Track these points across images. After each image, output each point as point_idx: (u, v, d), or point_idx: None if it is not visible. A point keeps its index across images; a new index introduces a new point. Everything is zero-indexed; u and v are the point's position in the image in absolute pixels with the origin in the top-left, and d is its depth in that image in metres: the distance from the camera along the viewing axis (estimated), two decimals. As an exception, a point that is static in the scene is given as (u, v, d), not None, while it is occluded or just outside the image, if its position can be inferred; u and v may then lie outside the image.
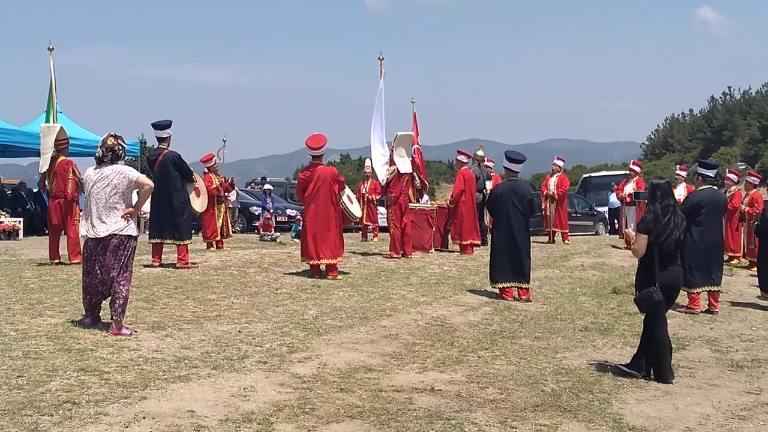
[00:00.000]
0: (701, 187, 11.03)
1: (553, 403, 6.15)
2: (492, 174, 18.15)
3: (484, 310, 10.12)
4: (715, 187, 11.59)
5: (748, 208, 15.09)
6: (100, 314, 7.79)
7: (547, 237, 19.26)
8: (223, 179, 15.77)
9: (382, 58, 14.62)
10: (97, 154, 7.63)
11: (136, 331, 7.58)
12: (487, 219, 16.72)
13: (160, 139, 12.00)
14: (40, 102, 13.30)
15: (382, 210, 19.77)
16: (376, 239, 19.03)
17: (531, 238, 11.47)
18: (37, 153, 14.08)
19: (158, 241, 11.87)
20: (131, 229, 7.58)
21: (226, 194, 16.65)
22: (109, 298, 7.52)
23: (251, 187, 24.57)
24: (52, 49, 13.38)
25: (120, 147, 7.68)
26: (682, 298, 10.29)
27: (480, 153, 17.55)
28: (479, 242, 16.01)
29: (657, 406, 6.32)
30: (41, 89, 14.05)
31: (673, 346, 7.49)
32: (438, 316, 9.51)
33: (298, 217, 18.45)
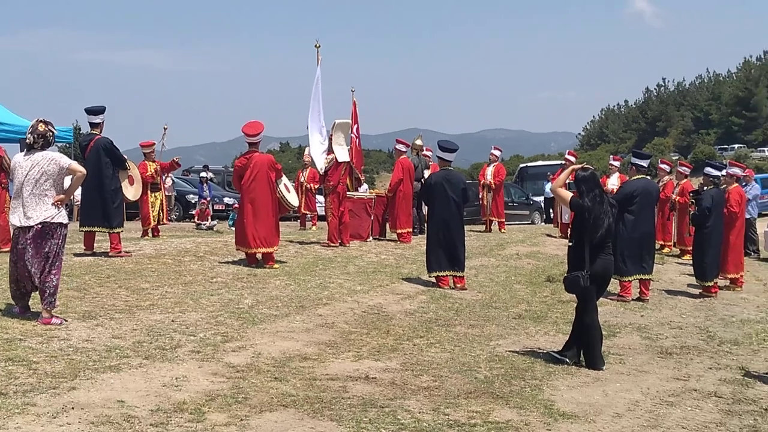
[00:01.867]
0: (634, 177, 11.24)
1: (485, 390, 6.21)
2: (430, 163, 18.22)
3: (420, 298, 10.17)
4: (648, 177, 11.81)
5: (678, 197, 15.41)
6: (29, 303, 7.62)
7: (484, 226, 19.43)
8: (157, 168, 15.49)
9: (319, 46, 14.53)
10: (27, 141, 7.45)
11: (66, 321, 7.44)
12: (425, 208, 16.82)
13: (93, 125, 11.76)
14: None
15: (320, 199, 19.72)
16: (314, 228, 18.98)
17: (467, 226, 11.56)
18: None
19: (90, 229, 11.64)
20: (62, 217, 7.43)
21: (164, 177, 16.43)
22: (38, 287, 7.37)
23: (184, 175, 24.29)
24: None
25: (51, 133, 7.51)
26: (614, 286, 10.49)
27: (418, 142, 17.61)
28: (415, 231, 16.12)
29: (587, 392, 6.43)
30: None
31: (604, 333, 7.63)
32: (374, 304, 9.54)
33: (236, 205, 18.29)
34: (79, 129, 37.80)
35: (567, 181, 16.25)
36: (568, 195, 7.57)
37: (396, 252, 14.15)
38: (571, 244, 7.48)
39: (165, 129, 16.28)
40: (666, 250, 16.29)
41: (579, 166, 7.59)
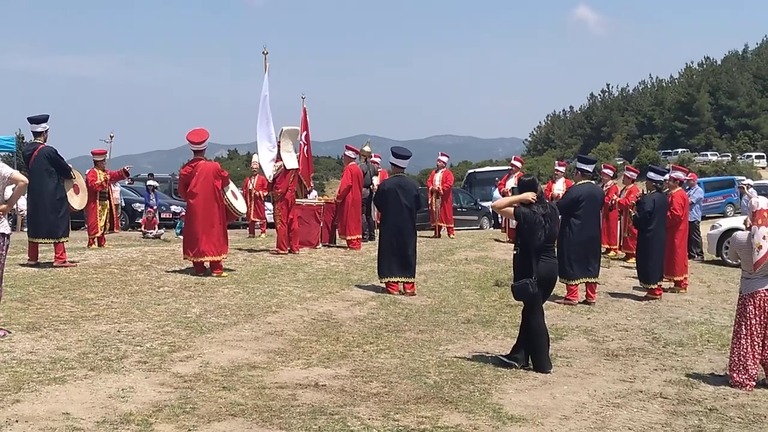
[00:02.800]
0: (580, 182, 11.37)
1: (435, 395, 6.24)
2: (379, 170, 18.27)
3: (370, 304, 10.18)
4: (593, 182, 11.96)
5: (619, 199, 15.67)
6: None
7: (433, 231, 19.52)
8: (107, 176, 15.28)
9: (266, 53, 14.46)
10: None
11: (9, 332, 7.31)
12: (375, 214, 16.84)
13: (36, 134, 11.57)
14: None
15: (269, 206, 19.62)
16: (263, 235, 18.88)
17: (417, 232, 11.60)
18: None
19: (35, 239, 11.44)
20: (4, 227, 7.32)
21: (112, 186, 16.24)
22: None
23: (129, 183, 24.04)
24: None
25: (-9, 142, 7.38)
26: (561, 289, 10.61)
27: (367, 149, 17.64)
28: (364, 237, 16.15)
29: (535, 395, 6.49)
30: None
31: (551, 336, 7.73)
32: (324, 311, 9.52)
33: (183, 213, 18.13)
34: (23, 138, 37.11)
35: (513, 186, 16.46)
36: (510, 208, 7.67)
37: (346, 258, 14.15)
38: (516, 252, 7.56)
39: (111, 137, 16.12)
40: (611, 253, 16.52)
41: (525, 196, 7.67)
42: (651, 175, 12.15)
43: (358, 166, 16.23)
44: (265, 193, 18.92)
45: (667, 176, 12.60)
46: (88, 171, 14.77)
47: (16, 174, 7.49)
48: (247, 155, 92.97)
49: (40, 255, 11.70)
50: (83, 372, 6.23)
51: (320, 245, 15.58)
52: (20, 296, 9.08)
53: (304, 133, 16.06)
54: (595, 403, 6.36)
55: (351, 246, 15.48)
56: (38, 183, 10.93)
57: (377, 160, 18.76)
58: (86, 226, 15.03)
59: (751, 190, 16.84)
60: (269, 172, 14.10)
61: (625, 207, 15.06)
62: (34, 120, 11.60)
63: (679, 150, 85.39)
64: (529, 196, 7.44)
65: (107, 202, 15.26)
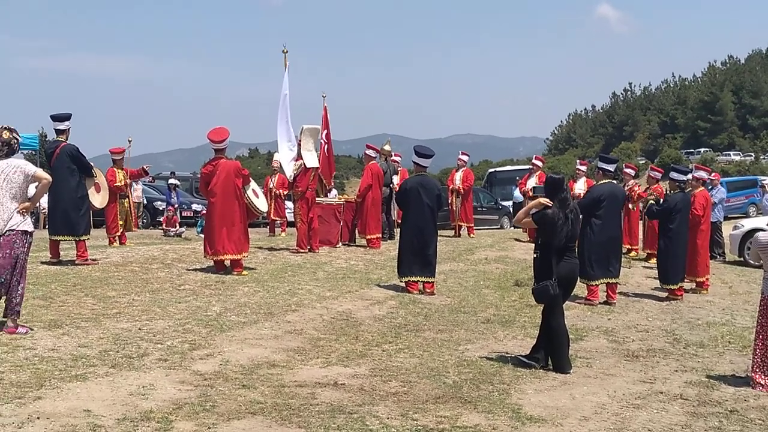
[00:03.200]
0: (601, 182, 11.32)
1: (454, 394, 6.23)
2: (399, 169, 18.28)
3: (389, 303, 10.18)
4: (615, 182, 11.90)
5: (639, 190, 15.63)
6: (-6, 313, 7.55)
7: (453, 231, 19.50)
8: (126, 176, 15.38)
9: (287, 51, 14.49)
10: (-9, 149, 7.37)
11: (32, 329, 7.37)
12: (395, 213, 16.85)
13: (58, 132, 11.67)
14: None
15: (289, 205, 19.67)
16: (283, 234, 18.94)
17: (438, 232, 11.59)
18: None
19: (56, 237, 11.53)
20: (27, 225, 7.37)
21: (132, 185, 16.36)
22: (3, 296, 7.29)
23: (150, 182, 24.20)
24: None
25: (15, 140, 7.46)
26: (581, 289, 10.57)
27: (387, 148, 17.64)
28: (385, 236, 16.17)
29: (554, 395, 6.47)
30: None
31: (571, 336, 7.69)
32: (344, 310, 9.53)
33: (204, 211, 18.21)
34: (45, 136, 37.43)
35: (534, 185, 16.43)
36: (528, 218, 7.66)
37: (365, 258, 14.16)
38: (536, 255, 7.53)
39: (129, 141, 16.25)
40: (633, 254, 16.44)
41: (538, 201, 7.67)
42: (674, 174, 12.07)
43: (379, 165, 16.24)
44: (286, 192, 18.99)
45: (689, 176, 12.51)
46: (107, 170, 14.85)
47: (40, 172, 7.56)
48: (267, 154, 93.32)
49: (62, 253, 11.79)
50: (104, 369, 6.27)
51: (340, 244, 15.61)
52: (42, 294, 9.16)
53: (325, 131, 16.08)
54: (615, 404, 6.33)
55: (371, 245, 15.49)
56: (60, 181, 11.00)
57: (398, 159, 18.76)
58: (105, 225, 15.14)
59: None
60: (290, 170, 14.13)
61: (643, 198, 14.94)
62: (57, 118, 11.70)
63: (702, 149, 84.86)
64: (542, 201, 7.43)
65: (126, 201, 15.36)
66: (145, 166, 15.93)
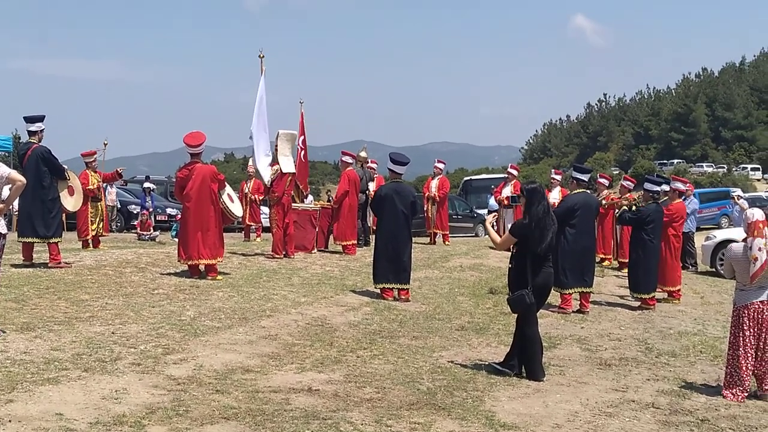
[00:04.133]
0: (575, 191, 11.39)
1: (428, 401, 6.25)
2: (375, 175, 18.29)
3: (364, 310, 10.18)
4: (589, 191, 11.97)
5: (614, 196, 15.77)
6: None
7: (428, 238, 19.53)
8: (100, 180, 15.26)
9: (263, 56, 14.47)
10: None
11: (3, 332, 7.30)
12: (371, 220, 16.85)
13: (31, 133, 11.55)
14: None
15: (265, 210, 19.63)
16: (258, 239, 18.89)
17: (413, 239, 11.61)
18: None
19: (27, 240, 11.42)
20: (0, 227, 7.31)
21: (107, 189, 16.24)
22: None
23: (123, 185, 24.01)
24: None
25: (-12, 142, 7.39)
26: (555, 297, 10.62)
27: (363, 154, 17.65)
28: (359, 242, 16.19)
29: (528, 403, 6.50)
30: None
31: (544, 344, 7.73)
32: (318, 316, 9.52)
33: (179, 215, 18.13)
34: (19, 138, 37.06)
35: (510, 194, 16.48)
36: (504, 237, 7.84)
37: (341, 264, 14.15)
38: (511, 265, 7.57)
39: (105, 144, 16.13)
40: (606, 263, 16.54)
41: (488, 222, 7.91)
42: (647, 185, 12.14)
43: (355, 172, 16.24)
44: (261, 197, 18.96)
45: (663, 186, 12.61)
46: (80, 173, 14.72)
47: (14, 174, 7.49)
48: (243, 159, 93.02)
49: (35, 256, 11.68)
50: (77, 373, 6.22)
51: (315, 250, 15.59)
52: (15, 296, 9.07)
53: (302, 137, 16.08)
54: (588, 412, 6.38)
55: (346, 251, 15.49)
56: (31, 182, 10.86)
57: (374, 165, 18.77)
58: (76, 228, 15.02)
59: (742, 200, 16.83)
60: (267, 176, 14.09)
61: (617, 204, 15.03)
62: (30, 119, 11.59)
63: (675, 161, 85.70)
64: (490, 219, 8.28)
65: (99, 204, 15.24)
66: (119, 169, 15.81)
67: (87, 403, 5.48)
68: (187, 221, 11.41)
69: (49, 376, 6.06)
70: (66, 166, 12.12)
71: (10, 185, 7.46)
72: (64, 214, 12.38)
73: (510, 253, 7.66)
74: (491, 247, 18.60)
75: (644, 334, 9.95)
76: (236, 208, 12.35)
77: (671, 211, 12.30)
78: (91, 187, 14.68)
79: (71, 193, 12.40)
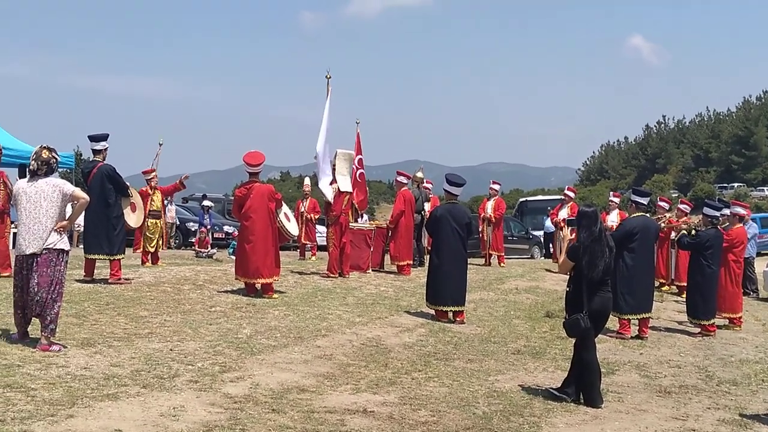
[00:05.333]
0: (634, 215, 11.25)
1: (484, 426, 6.19)
2: (430, 196, 18.28)
3: (419, 331, 10.15)
4: (648, 215, 11.82)
5: (671, 218, 15.55)
6: (28, 329, 7.62)
7: (483, 259, 19.44)
8: (161, 198, 15.45)
9: (330, 77, 14.60)
10: (30, 167, 7.48)
11: (65, 347, 7.43)
12: (425, 240, 16.83)
13: (95, 152, 11.79)
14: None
15: (320, 228, 19.73)
16: (314, 258, 18.98)
17: (468, 260, 11.56)
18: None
19: (91, 255, 11.65)
20: (64, 243, 7.46)
21: (166, 206, 16.36)
22: (38, 314, 7.36)
23: (183, 202, 24.28)
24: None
25: (54, 160, 7.57)
26: (613, 323, 10.47)
27: (419, 174, 17.66)
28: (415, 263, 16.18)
29: (585, 430, 6.41)
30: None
31: (602, 370, 7.62)
32: (373, 336, 9.51)
33: (236, 233, 18.30)
34: (81, 155, 37.92)
35: (567, 216, 16.33)
36: (563, 258, 7.74)
37: (395, 284, 14.14)
38: (569, 289, 7.50)
39: (160, 144, 16.09)
40: (665, 288, 16.28)
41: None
42: (707, 210, 11.95)
43: (410, 192, 16.25)
44: (317, 216, 19.08)
45: (724, 211, 12.40)
46: (140, 189, 14.89)
47: (78, 191, 7.65)
48: (299, 177, 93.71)
49: (95, 271, 11.90)
50: (136, 389, 6.30)
51: (370, 270, 15.61)
52: (75, 312, 9.23)
53: (358, 157, 16.16)
54: (647, 440, 6.27)
55: (401, 272, 15.48)
56: (96, 200, 11.08)
57: (429, 186, 18.76)
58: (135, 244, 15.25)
59: None
60: (330, 195, 14.13)
61: (676, 227, 14.79)
62: (95, 138, 11.82)
63: (736, 184, 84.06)
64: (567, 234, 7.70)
65: (159, 221, 15.46)
66: (182, 177, 15.68)
67: (145, 420, 5.55)
68: (245, 239, 11.51)
69: (108, 392, 6.14)
70: (128, 184, 12.33)
71: (73, 202, 7.62)
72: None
73: (569, 277, 7.59)
74: (548, 270, 18.46)
75: (704, 361, 9.76)
76: (292, 227, 12.43)
77: (731, 237, 12.10)
78: (153, 206, 14.89)
79: (133, 209, 12.62)
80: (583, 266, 7.27)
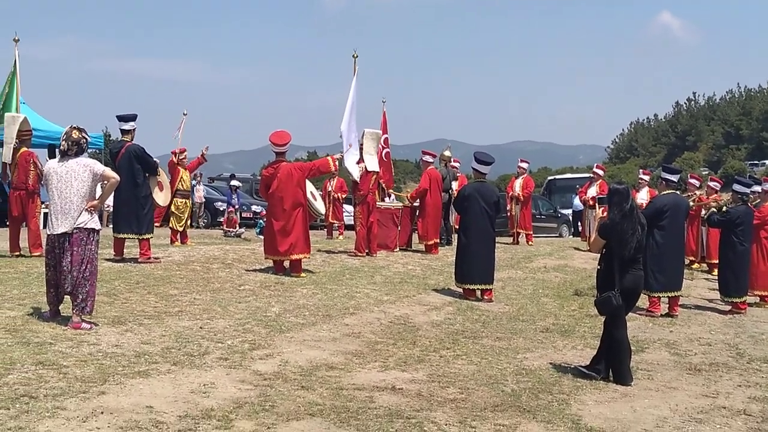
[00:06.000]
0: (664, 192, 11.13)
1: (512, 403, 6.19)
2: (458, 174, 18.22)
3: (446, 309, 10.16)
4: (678, 192, 11.71)
5: (701, 196, 15.38)
6: (60, 308, 7.70)
7: (512, 238, 19.37)
8: (189, 179, 15.54)
9: (356, 56, 14.55)
10: (61, 147, 7.54)
11: (96, 325, 7.51)
12: (453, 219, 16.80)
13: (123, 132, 11.85)
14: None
15: (348, 208, 19.75)
16: (341, 237, 19.02)
17: (496, 239, 11.53)
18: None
19: (120, 234, 11.74)
20: (94, 223, 7.52)
21: (194, 185, 16.41)
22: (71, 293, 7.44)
23: (209, 182, 24.39)
24: (18, 40, 13.07)
25: (84, 140, 7.63)
26: (643, 301, 10.40)
27: (447, 153, 17.59)
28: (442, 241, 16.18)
29: (615, 407, 6.38)
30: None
31: (632, 348, 7.57)
32: (401, 315, 9.53)
33: (263, 212, 18.38)
34: (109, 135, 38.21)
35: (596, 195, 16.24)
36: (594, 236, 7.66)
37: (423, 263, 14.15)
38: (600, 267, 7.43)
39: (185, 115, 15.98)
40: (695, 266, 16.15)
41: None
42: (737, 187, 11.82)
43: (437, 171, 16.20)
44: (344, 196, 19.10)
45: (755, 188, 12.26)
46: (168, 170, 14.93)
47: (108, 171, 7.70)
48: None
49: (125, 251, 12.00)
50: (166, 367, 6.36)
51: (397, 249, 15.61)
52: (106, 290, 9.31)
53: (384, 136, 16.13)
54: (677, 417, 6.22)
55: (429, 251, 15.47)
56: (124, 180, 11.13)
57: (456, 165, 18.69)
58: (168, 224, 15.35)
59: None
60: (356, 173, 14.14)
61: (705, 205, 14.64)
62: (123, 118, 11.89)
63: (767, 161, 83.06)
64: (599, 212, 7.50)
65: (188, 200, 15.56)
66: (203, 149, 15.61)
67: (176, 397, 5.60)
68: (273, 218, 11.55)
69: (139, 369, 6.20)
70: (157, 162, 12.38)
71: (103, 182, 7.68)
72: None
73: (600, 256, 7.52)
74: (576, 248, 18.38)
75: (735, 339, 9.67)
76: (320, 205, 12.47)
77: (762, 214, 11.98)
78: (182, 185, 14.99)
79: (161, 188, 12.70)
80: (614, 244, 7.21)
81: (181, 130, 15.64)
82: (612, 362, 7.26)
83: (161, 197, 12.78)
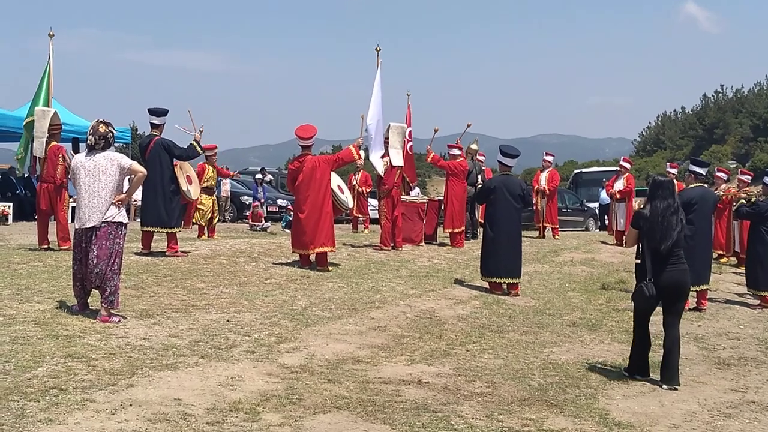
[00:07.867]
0: (692, 185, 11.02)
1: (539, 397, 6.17)
2: (484, 168, 18.14)
3: (473, 303, 10.14)
4: (706, 185, 11.59)
5: (732, 189, 15.22)
6: (89, 301, 7.77)
7: (538, 232, 19.27)
8: (215, 174, 15.64)
9: (379, 49, 14.52)
10: (88, 142, 7.60)
11: (124, 318, 7.57)
12: (478, 213, 16.75)
13: (153, 126, 11.87)
14: (28, 87, 12.84)
15: (373, 202, 19.74)
16: (366, 231, 19.02)
17: (522, 232, 11.48)
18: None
19: (148, 228, 11.81)
20: (122, 216, 7.57)
21: (220, 181, 16.50)
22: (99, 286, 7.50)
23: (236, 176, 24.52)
24: (53, 35, 13.10)
25: (111, 134, 7.68)
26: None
27: (474, 147, 17.51)
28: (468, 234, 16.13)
29: (643, 402, 6.35)
30: (30, 74, 13.71)
31: (660, 342, 7.49)
32: (427, 308, 9.53)
33: (289, 207, 18.41)
34: (136, 130, 38.46)
35: (623, 188, 16.10)
36: (628, 230, 7.49)
37: (448, 257, 14.12)
38: (638, 261, 7.23)
39: (189, 112, 16.06)
40: (723, 260, 15.99)
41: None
42: (767, 180, 11.69)
43: (464, 163, 16.14)
44: (369, 189, 19.09)
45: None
46: (197, 165, 15.04)
47: (136, 165, 7.75)
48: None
49: (153, 244, 12.07)
50: (194, 359, 6.40)
51: (423, 242, 15.59)
52: (134, 284, 9.39)
53: (408, 129, 16.08)
54: (706, 412, 6.18)
55: (454, 243, 15.43)
56: (153, 174, 11.20)
57: (482, 158, 18.61)
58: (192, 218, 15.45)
59: None
60: (381, 168, 14.12)
61: (735, 197, 14.48)
62: (155, 112, 11.88)
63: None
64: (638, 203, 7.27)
65: (212, 196, 15.65)
66: (237, 173, 15.88)
67: (204, 389, 5.64)
68: (299, 211, 11.57)
69: (167, 362, 6.25)
70: (196, 143, 12.27)
71: (131, 176, 7.73)
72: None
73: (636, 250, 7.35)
74: (603, 242, 18.27)
75: (764, 333, 9.58)
76: (347, 198, 12.47)
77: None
78: (207, 180, 15.07)
79: (189, 182, 12.74)
80: (650, 237, 7.01)
81: (194, 125, 15.75)
82: (633, 356, 7.17)
83: (192, 190, 12.78)
